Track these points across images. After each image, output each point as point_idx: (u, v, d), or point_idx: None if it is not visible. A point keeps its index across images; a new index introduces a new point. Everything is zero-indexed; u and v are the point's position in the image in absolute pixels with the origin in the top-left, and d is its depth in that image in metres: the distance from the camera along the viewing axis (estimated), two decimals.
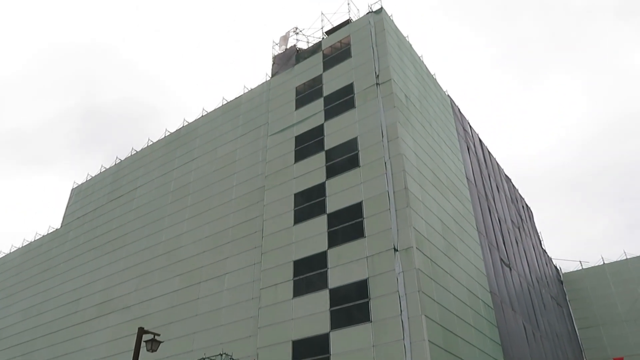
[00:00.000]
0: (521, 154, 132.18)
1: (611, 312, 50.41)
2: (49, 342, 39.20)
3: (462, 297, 27.14)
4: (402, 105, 30.29)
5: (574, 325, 51.56)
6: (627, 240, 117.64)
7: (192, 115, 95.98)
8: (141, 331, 18.69)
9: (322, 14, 38.47)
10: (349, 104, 31.46)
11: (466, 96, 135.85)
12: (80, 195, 49.07)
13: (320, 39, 37.35)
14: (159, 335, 18.73)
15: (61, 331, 38.78)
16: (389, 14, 35.68)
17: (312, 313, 25.16)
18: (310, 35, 38.82)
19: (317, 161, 30.60)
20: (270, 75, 39.12)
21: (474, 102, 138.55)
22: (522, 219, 48.96)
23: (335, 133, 30.94)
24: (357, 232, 26.13)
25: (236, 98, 40.58)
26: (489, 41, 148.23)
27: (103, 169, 48.88)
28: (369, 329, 22.93)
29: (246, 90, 40.32)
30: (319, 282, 25.94)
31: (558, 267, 56.06)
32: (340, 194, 28.18)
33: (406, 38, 37.20)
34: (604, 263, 53.45)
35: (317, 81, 34.76)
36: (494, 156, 48.30)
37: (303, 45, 38.73)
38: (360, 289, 24.28)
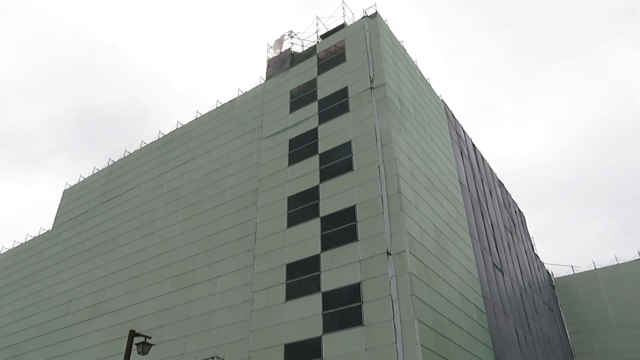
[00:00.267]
0: (514, 159, 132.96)
1: (602, 317, 50.67)
2: (39, 344, 38.87)
3: (454, 301, 27.20)
4: (396, 110, 30.41)
5: (566, 330, 51.78)
6: (618, 245, 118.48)
7: (187, 117, 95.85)
8: (132, 334, 18.58)
9: (317, 17, 38.60)
10: (343, 108, 31.54)
11: (460, 100, 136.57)
12: (72, 197, 48.78)
13: (315, 43, 37.45)
14: (150, 338, 18.61)
15: (52, 333, 38.48)
16: (384, 19, 35.84)
17: (305, 316, 25.12)
18: (305, 39, 38.93)
19: (311, 164, 30.61)
20: (265, 78, 39.15)
21: (468, 106, 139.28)
22: (514, 224, 49.19)
23: (329, 136, 30.99)
24: (350, 235, 26.15)
25: (230, 101, 40.57)
26: (483, 46, 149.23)
27: (96, 171, 48.64)
28: (361, 333, 22.92)
29: (240, 93, 40.33)
30: (312, 286, 25.91)
31: (550, 272, 56.33)
32: (333, 197, 28.20)
33: (400, 43, 37.37)
34: (595, 268, 53.75)
35: (311, 84, 34.82)
36: (487, 161, 48.55)
37: (298, 48, 38.83)
38: (353, 293, 24.28)
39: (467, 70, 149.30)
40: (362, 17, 35.30)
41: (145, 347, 18.25)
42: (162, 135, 44.28)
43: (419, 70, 38.97)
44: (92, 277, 39.05)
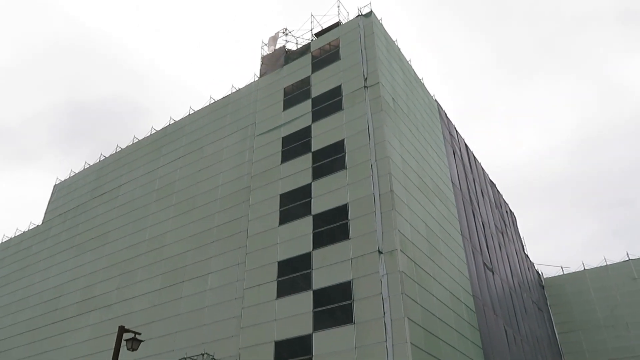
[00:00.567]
0: (506, 160, 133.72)
1: (591, 317, 51.17)
2: (28, 339, 38.61)
3: (445, 300, 27.34)
4: (390, 109, 30.47)
5: (554, 330, 52.22)
6: (607, 247, 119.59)
7: (180, 114, 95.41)
8: (122, 330, 18.51)
9: (311, 15, 38.57)
10: (337, 106, 31.55)
11: (453, 100, 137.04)
12: (63, 192, 48.43)
13: (309, 41, 37.41)
14: (139, 334, 18.55)
15: (41, 329, 38.23)
16: (379, 18, 35.87)
17: (296, 314, 25.14)
18: (300, 36, 38.88)
19: (304, 162, 30.61)
20: (259, 76, 39.07)
21: (461, 106, 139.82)
22: (505, 224, 49.50)
23: (323, 135, 30.99)
24: (342, 234, 26.19)
25: (224, 97, 40.44)
26: (478, 46, 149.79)
27: (87, 166, 48.33)
28: (351, 331, 22.98)
29: (234, 90, 40.21)
30: (303, 283, 25.93)
31: (540, 272, 56.76)
32: (326, 195, 28.22)
33: (395, 42, 37.42)
34: (584, 269, 54.24)
35: (305, 82, 34.79)
36: (479, 161, 48.78)
37: (292, 46, 38.76)
38: (344, 291, 24.33)
39: (461, 70, 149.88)
40: (357, 16, 35.31)
41: (134, 343, 18.18)
42: (155, 131, 44.07)
43: (413, 69, 39.07)
44: (82, 273, 38.82)
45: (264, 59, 39.60)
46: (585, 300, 52.29)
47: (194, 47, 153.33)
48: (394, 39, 37.48)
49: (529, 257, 54.02)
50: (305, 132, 32.03)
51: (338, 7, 37.51)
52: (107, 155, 46.94)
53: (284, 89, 35.79)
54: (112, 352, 18.08)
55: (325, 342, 23.47)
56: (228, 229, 31.67)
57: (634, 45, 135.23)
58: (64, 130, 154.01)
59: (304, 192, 29.29)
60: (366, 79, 31.24)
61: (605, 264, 53.24)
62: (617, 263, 52.56)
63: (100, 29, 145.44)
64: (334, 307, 24.30)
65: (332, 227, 26.85)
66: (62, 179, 50.15)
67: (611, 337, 49.01)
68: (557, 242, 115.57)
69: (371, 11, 35.03)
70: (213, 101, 41.13)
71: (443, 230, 31.51)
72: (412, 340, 21.63)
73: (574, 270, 54.89)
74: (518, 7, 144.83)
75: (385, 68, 32.63)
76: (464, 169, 42.32)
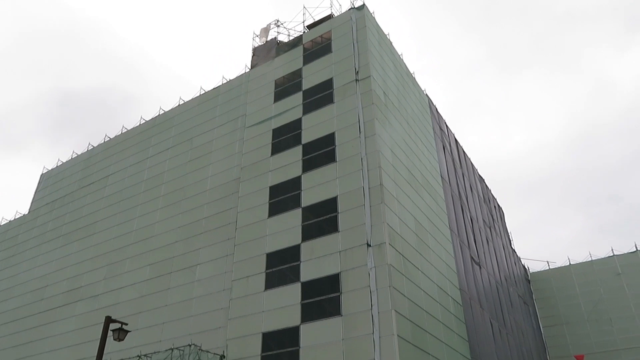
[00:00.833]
0: (496, 156, 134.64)
1: (575, 311, 51.91)
2: (14, 329, 38.31)
3: (432, 293, 27.58)
4: (381, 103, 30.49)
5: (539, 323, 52.93)
6: (593, 242, 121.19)
7: (169, 104, 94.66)
8: (108, 320, 18.44)
9: (304, 7, 38.37)
10: (328, 99, 31.50)
11: (444, 96, 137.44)
12: (50, 181, 47.96)
13: (301, 33, 37.25)
14: (126, 324, 18.50)
15: (26, 318, 37.96)
16: (371, 11, 35.80)
17: (284, 306, 25.22)
18: (292, 28, 38.73)
19: (294, 155, 30.58)
20: (250, 67, 38.86)
21: (452, 102, 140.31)
22: (493, 219, 49.92)
23: (313, 127, 30.96)
24: (331, 226, 26.26)
25: (214, 88, 40.19)
26: (469, 43, 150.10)
27: (75, 155, 47.85)
28: (339, 323, 23.11)
29: (225, 81, 39.97)
30: (291, 275, 25.99)
31: (526, 267, 57.40)
32: (315, 188, 28.24)
33: (387, 36, 37.39)
34: (570, 264, 54.93)
35: (296, 75, 34.68)
36: (469, 156, 49.07)
37: (284, 38, 38.59)
38: (332, 283, 24.44)
39: (452, 66, 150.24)
40: (350, 9, 35.20)
41: (121, 334, 18.13)
42: (144, 122, 43.71)
43: (404, 64, 39.09)
44: (69, 263, 38.55)
45: (256, 51, 39.39)
46: (570, 295, 53.02)
47: (185, 37, 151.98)
48: (385, 32, 37.46)
49: (515, 252, 54.58)
50: (296, 125, 31.97)
51: None
52: (95, 145, 46.52)
53: (275, 81, 35.65)
54: (98, 342, 18.02)
55: (312, 334, 23.59)
56: (217, 221, 31.59)
57: (624, 43, 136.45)
58: (52, 119, 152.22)
59: (294, 185, 29.29)
60: (357, 72, 31.21)
61: (590, 259, 53.97)
62: (602, 258, 53.29)
63: (88, 16, 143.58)
64: (322, 299, 24.41)
65: (321, 219, 26.90)
66: (50, 168, 49.65)
67: (594, 331, 49.81)
68: (544, 238, 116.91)
69: (364, 4, 34.94)
70: (203, 92, 40.88)
71: (432, 224, 31.71)
72: (399, 333, 21.81)
73: (559, 265, 55.62)
74: (510, 4, 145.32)
75: (376, 62, 32.62)
76: (454, 163, 42.56)
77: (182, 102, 41.83)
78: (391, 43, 37.58)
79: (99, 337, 21.68)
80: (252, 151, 33.00)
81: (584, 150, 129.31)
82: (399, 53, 38.76)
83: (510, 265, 49.88)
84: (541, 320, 53.37)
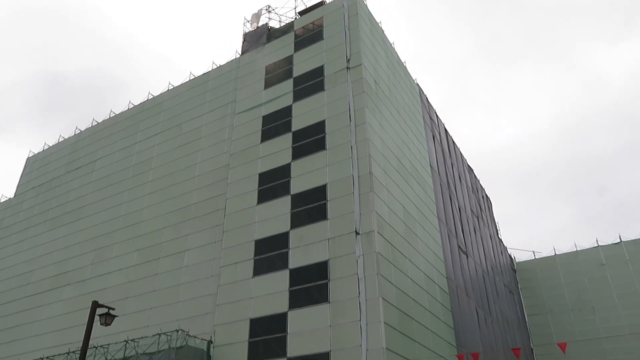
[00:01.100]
0: (485, 146, 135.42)
1: (559, 301, 52.77)
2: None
3: (419, 281, 27.83)
4: (371, 91, 30.43)
5: (524, 312, 53.76)
6: (579, 233, 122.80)
7: (159, 89, 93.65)
8: (95, 305, 18.38)
9: None
10: (319, 87, 31.36)
11: (435, 86, 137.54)
12: (36, 165, 47.40)
13: (292, 19, 36.92)
14: (113, 309, 18.46)
15: (12, 302, 37.72)
16: None
17: (271, 292, 25.31)
18: (283, 14, 38.33)
19: (284, 142, 30.49)
20: (240, 53, 38.50)
21: (443, 92, 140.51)
22: (481, 209, 50.35)
23: (303, 115, 30.85)
24: (320, 214, 26.31)
25: (204, 74, 39.80)
26: (462, 35, 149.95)
27: (62, 139, 47.28)
28: (326, 310, 23.27)
29: (215, 67, 39.59)
30: (280, 262, 26.07)
31: (512, 256, 58.10)
32: (305, 175, 28.23)
33: (379, 24, 37.20)
34: (555, 254, 55.69)
35: (287, 62, 34.45)
36: (458, 146, 49.28)
37: (275, 24, 38.22)
38: (320, 270, 24.55)
39: (444, 57, 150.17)
40: None
41: (108, 318, 18.10)
42: (133, 106, 43.25)
43: (396, 52, 38.97)
44: (56, 247, 38.28)
45: (246, 36, 39.00)
46: (554, 285, 53.83)
47: (175, 22, 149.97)
48: (378, 20, 37.25)
49: (502, 242, 55.19)
50: (286, 112, 31.83)
51: None
52: (82, 129, 45.98)
53: (266, 67, 35.39)
54: (85, 327, 17.96)
55: (300, 320, 23.74)
56: (205, 207, 31.50)
57: (615, 37, 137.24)
58: (39, 102, 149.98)
59: (283, 172, 29.24)
60: (349, 60, 31.08)
61: (575, 250, 54.74)
62: (587, 249, 54.09)
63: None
64: (310, 286, 24.53)
65: (311, 207, 26.93)
66: (36, 152, 49.05)
67: (577, 320, 50.72)
68: (531, 228, 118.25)
69: None
70: (193, 77, 40.47)
71: (420, 213, 31.90)
72: (386, 320, 22.02)
73: (545, 256, 56.35)
74: None
75: (368, 50, 32.48)
76: (443, 153, 42.74)
77: (172, 87, 41.41)
78: (383, 31, 37.42)
79: (86, 322, 21.60)
80: (242, 138, 32.84)
81: (574, 142, 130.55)
82: (391, 42, 38.63)
83: (497, 254, 50.46)
84: (526, 309, 54.19)
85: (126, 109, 43.52)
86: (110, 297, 30.80)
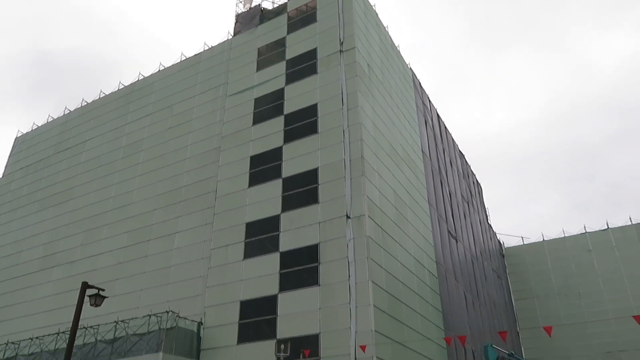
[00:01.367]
0: (477, 132, 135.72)
1: (546, 286, 53.58)
2: None
3: (409, 265, 28.07)
4: (364, 75, 30.26)
5: (511, 297, 54.56)
6: (567, 220, 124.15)
7: (149, 70, 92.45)
8: (85, 285, 18.32)
9: None
10: (311, 70, 31.13)
11: (428, 71, 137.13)
12: (25, 145, 46.83)
13: (286, 1, 36.43)
14: (103, 290, 18.40)
15: (1, 283, 37.56)
16: None
17: (262, 275, 25.42)
18: None
19: (276, 125, 30.33)
20: (233, 34, 38.02)
21: (436, 77, 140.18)
22: (471, 194, 50.66)
23: (296, 98, 30.65)
24: (311, 197, 26.33)
25: (195, 55, 39.32)
26: (456, 20, 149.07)
27: (50, 119, 46.68)
28: (316, 292, 23.43)
29: (206, 48, 39.10)
30: (270, 245, 26.13)
31: (501, 242, 58.71)
32: (296, 159, 28.17)
33: (373, 7, 36.85)
34: (543, 240, 56.36)
35: (280, 44, 34.09)
36: (450, 132, 49.34)
37: (268, 5, 37.72)
38: (310, 254, 24.66)
39: (437, 42, 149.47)
40: None
41: (98, 299, 18.04)
42: (123, 87, 42.71)
43: (390, 36, 38.70)
44: (45, 228, 38.04)
45: (239, 17, 38.49)
46: (542, 270, 54.59)
47: (167, 1, 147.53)
48: (372, 4, 36.88)
49: (492, 227, 55.69)
50: (278, 95, 31.61)
51: None
52: (72, 109, 45.39)
53: (258, 49, 35.01)
54: (75, 308, 17.93)
55: (290, 303, 23.90)
56: (196, 189, 31.39)
57: (609, 22, 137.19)
58: (28, 82, 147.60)
59: (275, 155, 29.15)
60: (342, 43, 30.82)
61: (563, 236, 55.39)
62: (574, 235, 54.76)
63: None
64: (301, 269, 24.65)
65: (302, 190, 26.93)
66: (24, 132, 48.41)
67: (564, 305, 51.61)
68: (521, 214, 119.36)
69: None
70: (184, 58, 39.97)
71: (411, 197, 32.03)
72: (375, 303, 22.23)
73: (533, 241, 57.00)
74: None
75: (361, 33, 32.21)
76: (435, 138, 42.78)
77: (163, 68, 40.89)
78: (377, 15, 37.09)
79: (75, 302, 21.60)
80: (233, 120, 32.61)
81: (566, 129, 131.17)
82: (385, 25, 38.32)
83: (486, 240, 50.95)
84: (513, 293, 54.98)
85: (116, 89, 42.98)
86: (100, 278, 30.75)
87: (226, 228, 28.27)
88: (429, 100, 44.82)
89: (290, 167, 28.11)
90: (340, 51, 30.50)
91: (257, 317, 24.58)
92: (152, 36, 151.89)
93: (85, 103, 44.57)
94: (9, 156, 47.42)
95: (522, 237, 58.17)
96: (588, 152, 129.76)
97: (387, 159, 29.88)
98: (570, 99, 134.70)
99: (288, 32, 34.13)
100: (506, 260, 57.39)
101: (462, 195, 46.24)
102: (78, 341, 25.44)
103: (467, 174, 51.61)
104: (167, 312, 24.39)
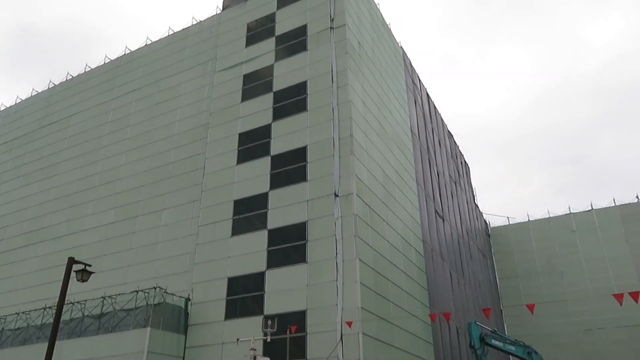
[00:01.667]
0: (466, 113, 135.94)
1: (530, 265, 54.57)
2: None
3: (395, 243, 28.32)
4: (354, 52, 29.98)
5: (496, 275, 55.51)
6: (553, 200, 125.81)
7: (136, 44, 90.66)
8: (71, 261, 18.22)
9: None
10: (301, 46, 30.75)
11: (418, 50, 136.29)
12: (8, 119, 45.97)
13: None
14: (90, 265, 18.33)
15: None
16: None
17: (250, 252, 25.51)
18: None
19: (265, 102, 30.06)
20: (222, 9, 37.30)
21: (425, 56, 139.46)
22: (459, 174, 50.98)
23: (285, 75, 30.33)
24: (299, 175, 26.30)
25: (183, 29, 38.57)
26: (449, 2, 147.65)
27: (35, 93, 45.76)
28: (304, 270, 23.60)
29: (195, 22, 38.36)
30: (258, 223, 26.16)
31: (487, 222, 59.42)
32: (285, 136, 28.02)
33: None
34: (529, 220, 57.14)
35: (269, 19, 33.54)
36: (439, 111, 49.33)
37: None
38: (298, 231, 24.75)
39: (429, 21, 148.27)
40: None
41: (84, 275, 17.99)
42: (109, 60, 41.88)
43: (381, 14, 38.27)
44: (30, 204, 37.65)
45: None
46: (526, 250, 55.50)
47: None
48: None
49: (478, 207, 56.25)
50: (268, 71, 31.24)
51: None
52: (56, 83, 44.51)
53: (248, 24, 34.43)
54: (61, 283, 17.85)
55: (277, 280, 24.07)
56: (184, 166, 31.17)
57: (600, 4, 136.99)
58: (12, 55, 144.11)
59: (264, 132, 28.97)
60: (332, 19, 30.41)
61: (548, 216, 56.18)
62: (559, 216, 55.57)
63: None
64: (288, 246, 24.76)
65: (290, 168, 26.87)
66: (8, 106, 47.47)
67: (547, 284, 52.68)
68: (507, 195, 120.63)
69: None
70: (172, 32, 39.21)
71: (399, 176, 32.14)
72: (362, 280, 22.46)
73: (519, 221, 57.76)
74: None
75: (352, 10, 31.79)
76: (424, 118, 42.76)
77: (150, 42, 40.10)
78: None
79: (62, 278, 21.55)
80: (222, 97, 32.25)
81: (554, 110, 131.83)
82: (376, 2, 37.85)
83: (473, 219, 51.50)
84: (498, 272, 55.94)
85: (102, 63, 42.15)
86: (87, 254, 30.61)
87: (214, 205, 28.20)
88: (419, 80, 44.65)
89: (279, 144, 27.97)
90: (331, 28, 30.12)
91: (244, 294, 24.74)
92: (139, 9, 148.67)
93: (70, 77, 43.72)
94: None
95: (507, 217, 59.03)
96: (575, 135, 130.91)
97: (376, 137, 29.85)
98: (559, 80, 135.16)
99: (278, 8, 33.56)
100: (492, 240, 58.19)
101: (449, 175, 46.51)
102: (65, 316, 25.45)
103: (455, 154, 51.84)
104: (155, 288, 24.44)
